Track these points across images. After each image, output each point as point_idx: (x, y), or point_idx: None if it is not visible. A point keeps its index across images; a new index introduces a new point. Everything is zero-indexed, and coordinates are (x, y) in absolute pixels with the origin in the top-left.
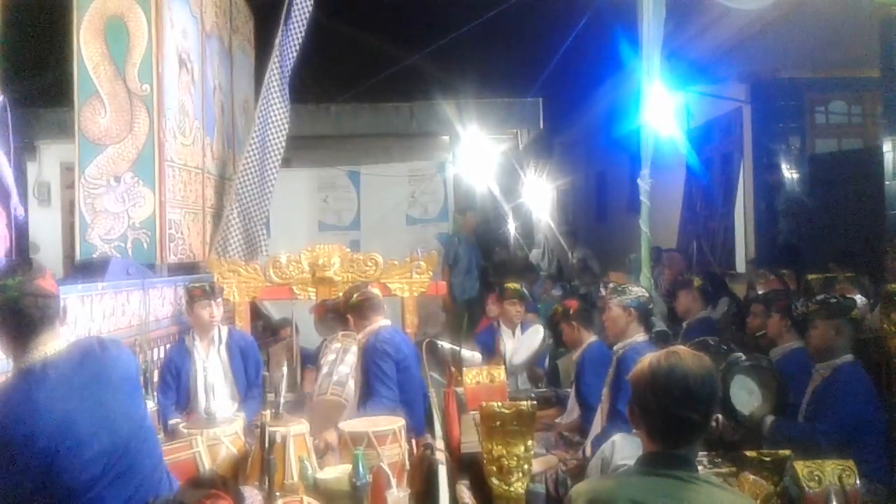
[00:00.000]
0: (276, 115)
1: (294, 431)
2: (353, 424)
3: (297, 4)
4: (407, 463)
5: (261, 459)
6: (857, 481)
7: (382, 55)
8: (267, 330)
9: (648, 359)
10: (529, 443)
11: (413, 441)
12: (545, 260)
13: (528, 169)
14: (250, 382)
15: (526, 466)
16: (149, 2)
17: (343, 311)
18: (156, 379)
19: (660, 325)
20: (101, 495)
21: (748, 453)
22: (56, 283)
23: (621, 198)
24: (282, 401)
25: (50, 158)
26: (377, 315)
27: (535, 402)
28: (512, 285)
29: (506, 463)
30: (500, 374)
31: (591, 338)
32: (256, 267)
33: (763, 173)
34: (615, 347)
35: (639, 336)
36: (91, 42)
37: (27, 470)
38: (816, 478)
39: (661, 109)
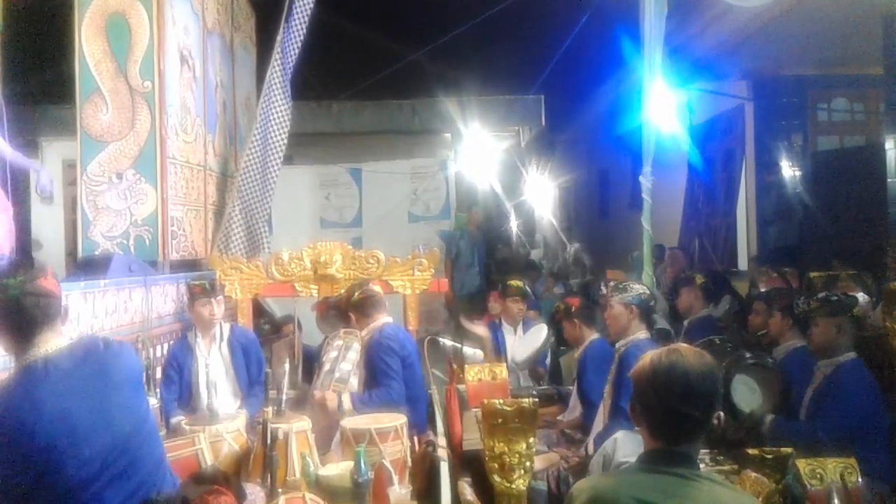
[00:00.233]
0: (277, 112)
1: (296, 428)
2: (355, 421)
3: (298, 1)
4: (409, 460)
5: (263, 456)
6: (859, 479)
7: (384, 52)
8: (270, 327)
9: (650, 356)
10: (531, 440)
11: (415, 438)
12: (546, 258)
13: (530, 166)
14: (252, 379)
15: (528, 463)
16: None
17: (345, 309)
18: (158, 376)
19: (661, 323)
20: (101, 492)
21: (750, 451)
22: (58, 282)
23: (623, 195)
24: (284, 398)
25: (52, 155)
26: (379, 312)
27: (536, 400)
28: (514, 283)
29: (507, 460)
30: (501, 371)
31: (593, 335)
32: (258, 264)
33: (765, 171)
34: (617, 345)
35: (640, 334)
36: (93, 39)
37: (26, 466)
38: (818, 476)
39: (663, 107)
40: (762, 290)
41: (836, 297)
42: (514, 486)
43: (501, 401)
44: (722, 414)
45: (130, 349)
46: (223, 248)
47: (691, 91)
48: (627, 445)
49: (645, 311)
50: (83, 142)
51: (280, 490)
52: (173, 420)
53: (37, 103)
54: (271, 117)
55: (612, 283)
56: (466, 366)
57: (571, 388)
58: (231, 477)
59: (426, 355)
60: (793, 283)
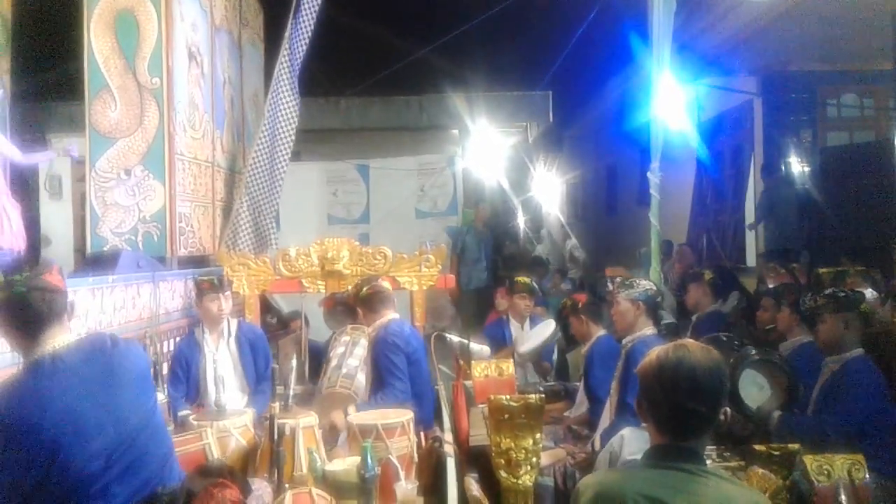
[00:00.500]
0: (285, 109)
1: (303, 424)
2: (362, 417)
3: None
4: (415, 455)
5: (270, 451)
6: (867, 475)
7: (392, 49)
8: (278, 323)
9: (656, 351)
10: (538, 436)
11: (422, 434)
12: (550, 254)
13: (538, 162)
14: (260, 375)
15: (534, 459)
16: None
17: (353, 304)
18: (166, 372)
19: (668, 319)
20: (108, 488)
21: (757, 447)
22: (63, 278)
23: (631, 191)
24: (291, 393)
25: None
26: (387, 308)
27: (543, 396)
28: (522, 279)
29: (514, 456)
30: (508, 367)
31: (599, 331)
32: (266, 260)
33: (774, 166)
34: (624, 341)
35: (647, 329)
36: (101, 36)
37: (34, 461)
38: (826, 472)
39: (672, 102)
40: (770, 286)
41: (842, 294)
42: (520, 481)
43: (508, 397)
44: (729, 410)
45: (137, 345)
46: (231, 245)
47: (700, 87)
48: (634, 442)
49: (651, 307)
50: (92, 138)
51: (287, 485)
52: (181, 415)
53: (46, 100)
54: (279, 114)
55: (618, 280)
56: (473, 362)
57: (578, 384)
58: (235, 471)
59: (433, 351)
60: (801, 278)
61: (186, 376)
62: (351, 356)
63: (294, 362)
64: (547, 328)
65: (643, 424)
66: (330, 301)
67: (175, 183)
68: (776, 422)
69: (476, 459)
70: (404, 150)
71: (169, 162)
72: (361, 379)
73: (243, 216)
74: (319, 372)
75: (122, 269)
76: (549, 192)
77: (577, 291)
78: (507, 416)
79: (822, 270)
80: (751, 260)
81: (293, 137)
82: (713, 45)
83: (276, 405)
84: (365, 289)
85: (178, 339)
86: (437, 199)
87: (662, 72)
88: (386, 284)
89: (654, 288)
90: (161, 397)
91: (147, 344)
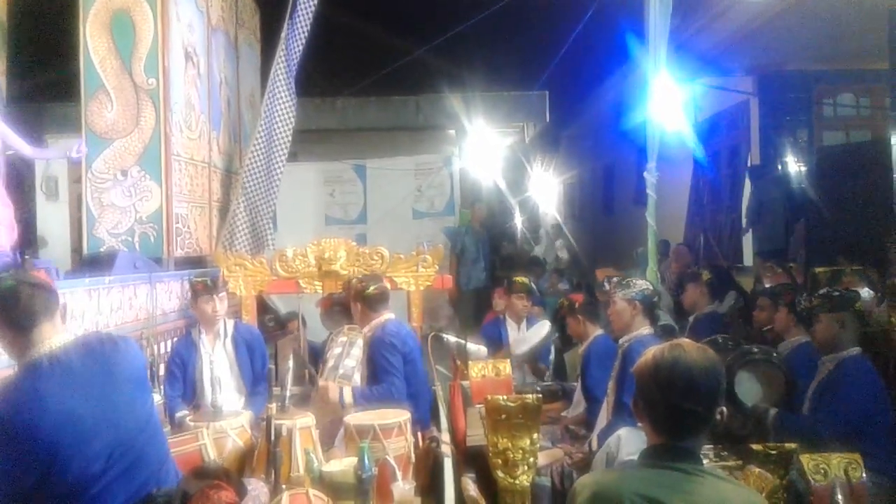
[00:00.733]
0: (282, 109)
1: (300, 424)
2: (359, 417)
3: None
4: (412, 456)
5: (267, 452)
6: (863, 474)
7: (388, 48)
8: (275, 323)
9: (652, 351)
10: (535, 436)
11: (419, 434)
12: (546, 254)
13: (535, 162)
14: (256, 376)
15: (531, 459)
16: None
17: (354, 300)
18: (162, 372)
19: (665, 319)
20: (107, 489)
21: (754, 446)
22: (52, 278)
23: (628, 191)
24: (288, 394)
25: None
26: (386, 308)
27: (540, 396)
28: (520, 279)
29: (511, 456)
30: (505, 367)
31: (596, 331)
32: (263, 261)
33: (762, 169)
34: (620, 341)
35: (644, 329)
36: (97, 36)
37: (32, 462)
38: (822, 471)
39: (668, 102)
40: (767, 285)
41: (837, 293)
42: (517, 481)
43: (505, 397)
44: (725, 409)
45: (134, 345)
46: (228, 245)
47: (696, 87)
48: (631, 442)
49: (648, 307)
50: (88, 139)
51: (284, 486)
52: (177, 416)
53: (42, 101)
54: (276, 114)
55: (615, 279)
56: (470, 362)
57: (575, 384)
58: (232, 472)
59: (430, 351)
60: (798, 278)
61: (183, 377)
62: (348, 356)
63: (291, 363)
64: (542, 329)
65: (640, 424)
66: (327, 301)
67: (171, 184)
68: (772, 420)
69: (473, 460)
70: (401, 151)
71: (165, 163)
72: (358, 379)
73: (240, 217)
74: (317, 373)
75: (118, 269)
76: (545, 192)
77: (575, 291)
78: (504, 416)
79: (818, 270)
80: (748, 260)
81: (290, 138)
82: (709, 44)
83: (273, 406)
84: (372, 287)
85: (174, 340)
86: (434, 200)
87: (659, 72)
88: (387, 285)
89: (651, 288)
90: (157, 398)
91: (144, 345)
